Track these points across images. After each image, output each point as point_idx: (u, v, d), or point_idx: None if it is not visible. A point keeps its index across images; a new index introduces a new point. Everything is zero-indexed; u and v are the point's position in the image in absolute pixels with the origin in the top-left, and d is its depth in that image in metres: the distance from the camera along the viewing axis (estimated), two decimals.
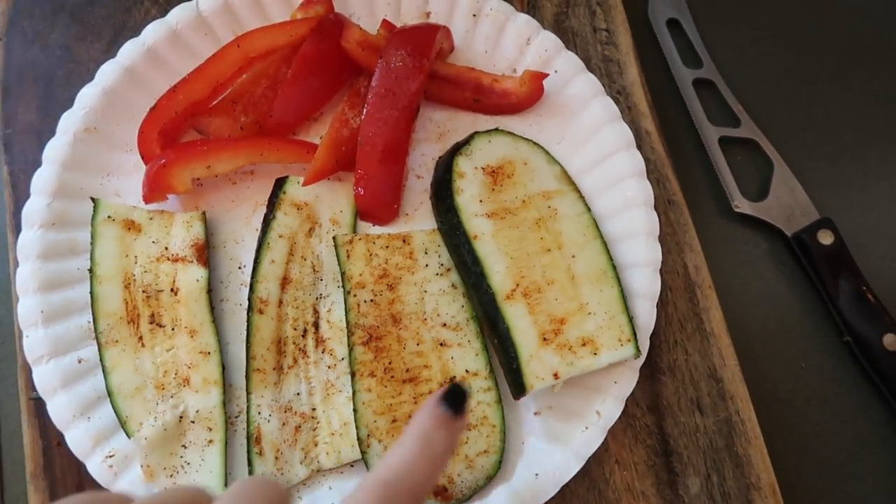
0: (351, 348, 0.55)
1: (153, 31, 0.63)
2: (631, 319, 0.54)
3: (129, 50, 0.63)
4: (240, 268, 0.60)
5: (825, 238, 0.64)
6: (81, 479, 0.56)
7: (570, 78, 0.63)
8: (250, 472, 0.53)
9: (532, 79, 0.62)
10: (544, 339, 0.53)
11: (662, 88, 0.72)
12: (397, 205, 0.61)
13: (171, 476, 0.53)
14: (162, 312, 0.57)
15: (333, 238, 0.58)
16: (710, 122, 0.70)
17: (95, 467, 0.54)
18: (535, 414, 0.56)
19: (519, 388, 0.52)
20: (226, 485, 0.53)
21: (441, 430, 0.38)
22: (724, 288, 0.64)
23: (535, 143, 0.60)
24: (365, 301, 0.56)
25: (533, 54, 0.64)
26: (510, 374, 0.53)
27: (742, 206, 0.67)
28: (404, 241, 0.58)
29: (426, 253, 0.58)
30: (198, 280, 0.57)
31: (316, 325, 0.58)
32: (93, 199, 0.59)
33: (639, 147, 0.61)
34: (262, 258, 0.58)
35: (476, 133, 0.60)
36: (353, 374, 0.54)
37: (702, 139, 0.70)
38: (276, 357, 0.56)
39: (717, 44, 0.74)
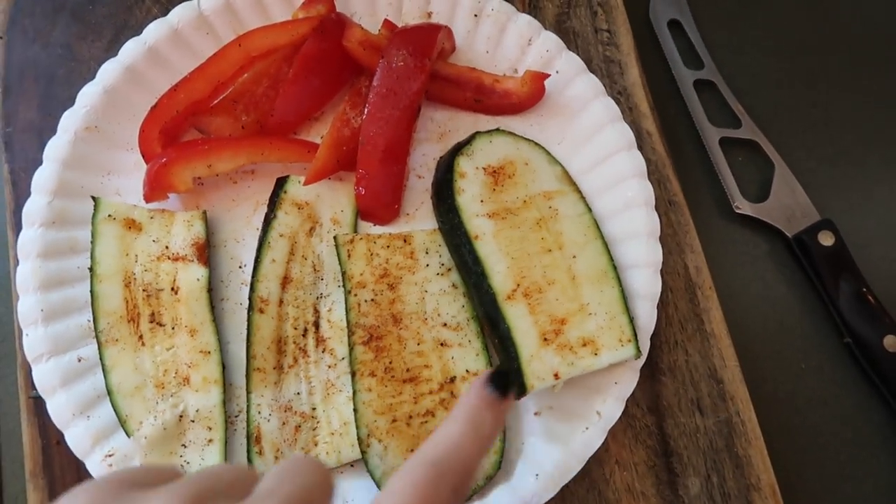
0: (351, 348, 0.55)
1: (154, 30, 0.63)
2: (631, 320, 0.54)
3: (131, 49, 0.63)
4: (240, 267, 0.60)
5: (826, 239, 0.64)
6: (81, 477, 0.56)
7: (572, 78, 0.63)
8: None
9: (533, 79, 0.62)
10: (545, 339, 0.53)
11: (663, 89, 0.72)
12: (398, 204, 0.61)
13: None
14: (162, 311, 0.57)
15: (334, 237, 0.58)
16: (710, 122, 0.70)
17: (95, 466, 0.54)
18: (536, 414, 0.56)
19: (519, 388, 0.52)
20: None
21: (488, 412, 0.39)
22: (725, 289, 0.64)
23: (537, 144, 0.60)
24: (365, 301, 0.56)
25: (534, 55, 0.64)
26: (511, 374, 0.53)
27: (743, 207, 0.67)
28: (405, 240, 0.58)
29: (427, 253, 0.58)
30: (198, 279, 0.57)
31: (316, 325, 0.58)
32: (93, 198, 0.59)
33: (640, 148, 0.61)
34: (263, 257, 0.58)
35: (477, 133, 0.60)
36: (353, 374, 0.54)
37: (702, 140, 0.70)
38: (276, 356, 0.56)
39: (718, 45, 0.74)
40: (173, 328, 0.56)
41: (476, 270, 0.55)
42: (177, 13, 0.64)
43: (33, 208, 0.59)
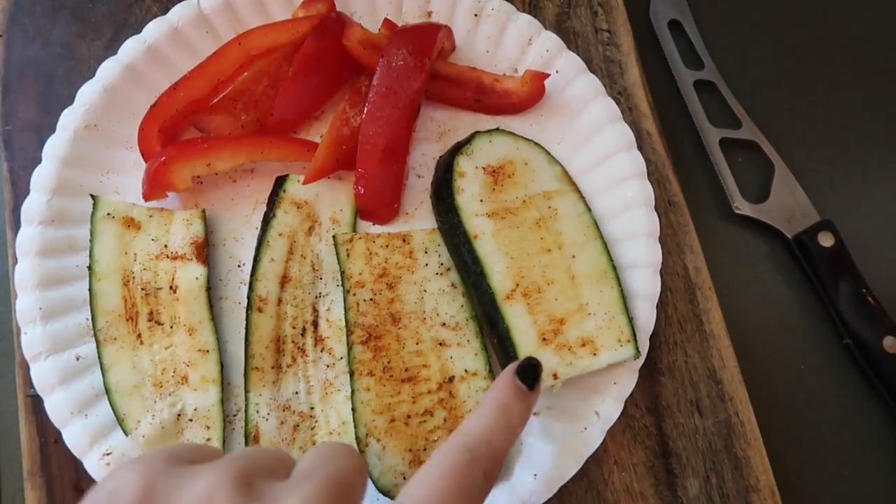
0: (350, 347, 0.55)
1: (154, 29, 0.63)
2: (631, 320, 0.54)
3: (130, 47, 0.63)
4: (239, 266, 0.60)
5: (825, 240, 0.64)
6: (79, 476, 0.56)
7: (572, 78, 0.63)
8: None
9: (533, 79, 0.62)
10: (544, 339, 0.53)
11: (663, 90, 0.72)
12: (397, 204, 0.61)
13: None
14: (161, 310, 0.57)
15: (333, 237, 0.58)
16: (710, 123, 0.70)
17: (92, 465, 0.53)
18: (534, 414, 0.56)
19: None
20: None
21: (517, 402, 0.41)
22: (725, 289, 0.64)
23: (536, 143, 0.60)
24: (364, 300, 0.56)
25: (534, 54, 0.64)
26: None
27: (742, 207, 0.67)
28: (404, 240, 0.58)
29: (426, 252, 0.58)
30: (197, 278, 0.57)
31: (315, 324, 0.58)
32: (92, 196, 0.59)
33: (640, 148, 0.61)
34: (262, 256, 0.57)
35: (477, 133, 0.60)
36: (352, 373, 0.54)
37: (702, 140, 0.70)
38: (274, 356, 0.56)
39: (719, 45, 0.74)
40: (172, 327, 0.56)
41: (475, 270, 0.55)
42: (176, 12, 0.64)
43: (32, 206, 0.59)
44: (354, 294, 0.56)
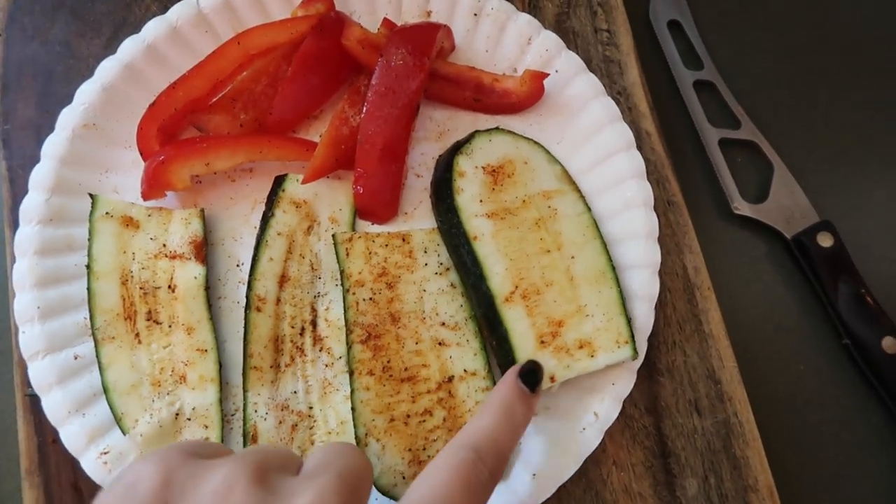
0: (349, 346, 0.55)
1: (153, 28, 0.63)
2: (629, 321, 0.54)
3: (129, 46, 0.63)
4: (238, 265, 0.60)
5: (825, 241, 0.64)
6: (76, 475, 0.55)
7: (571, 78, 0.63)
8: None
9: (533, 78, 0.62)
10: (542, 342, 0.53)
11: (663, 89, 0.72)
12: (397, 203, 0.61)
13: None
14: (159, 309, 0.56)
15: (333, 236, 0.58)
16: (710, 123, 0.70)
17: (90, 464, 0.53)
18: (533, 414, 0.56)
19: None
20: None
21: (520, 403, 0.43)
22: (724, 290, 0.64)
23: (536, 143, 0.60)
24: (364, 299, 0.56)
25: (534, 54, 0.64)
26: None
27: (742, 207, 0.67)
28: (403, 239, 0.58)
29: (425, 252, 0.58)
30: (195, 277, 0.57)
31: (314, 324, 0.58)
32: (91, 196, 0.59)
33: (639, 148, 0.61)
34: (261, 256, 0.57)
35: (476, 132, 0.60)
36: (351, 373, 0.54)
37: (702, 141, 0.70)
38: (273, 355, 0.56)
39: (718, 45, 0.74)
40: (170, 326, 0.56)
41: (475, 272, 0.55)
42: (176, 11, 0.64)
43: (31, 205, 0.59)
44: (354, 293, 0.56)
